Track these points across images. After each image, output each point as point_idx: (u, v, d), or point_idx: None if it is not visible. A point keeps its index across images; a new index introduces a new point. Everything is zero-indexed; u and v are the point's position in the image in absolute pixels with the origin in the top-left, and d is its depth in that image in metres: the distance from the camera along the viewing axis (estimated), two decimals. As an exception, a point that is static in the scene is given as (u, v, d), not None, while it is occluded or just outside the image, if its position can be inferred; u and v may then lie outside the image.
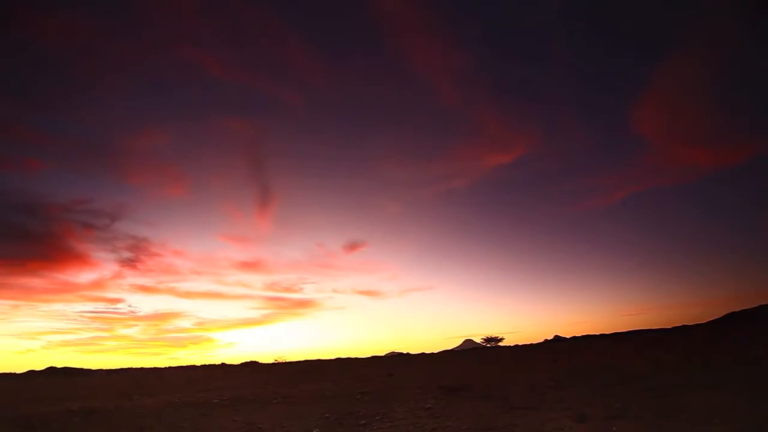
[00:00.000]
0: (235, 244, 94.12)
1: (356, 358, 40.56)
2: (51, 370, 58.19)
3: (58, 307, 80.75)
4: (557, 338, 49.33)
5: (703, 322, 46.07)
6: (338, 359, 42.48)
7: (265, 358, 54.26)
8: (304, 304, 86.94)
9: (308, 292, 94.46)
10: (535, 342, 45.47)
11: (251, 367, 38.86)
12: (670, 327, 41.06)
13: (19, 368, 58.92)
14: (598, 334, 42.44)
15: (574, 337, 43.47)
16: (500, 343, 47.39)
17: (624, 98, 75.99)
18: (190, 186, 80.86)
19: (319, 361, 41.69)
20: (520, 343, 44.00)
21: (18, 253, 70.41)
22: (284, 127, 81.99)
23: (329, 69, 78.26)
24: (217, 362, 48.23)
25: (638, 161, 77.00)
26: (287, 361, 43.32)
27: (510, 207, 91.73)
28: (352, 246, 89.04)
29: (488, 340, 48.70)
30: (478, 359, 26.31)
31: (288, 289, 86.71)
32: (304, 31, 73.82)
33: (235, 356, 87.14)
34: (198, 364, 48.85)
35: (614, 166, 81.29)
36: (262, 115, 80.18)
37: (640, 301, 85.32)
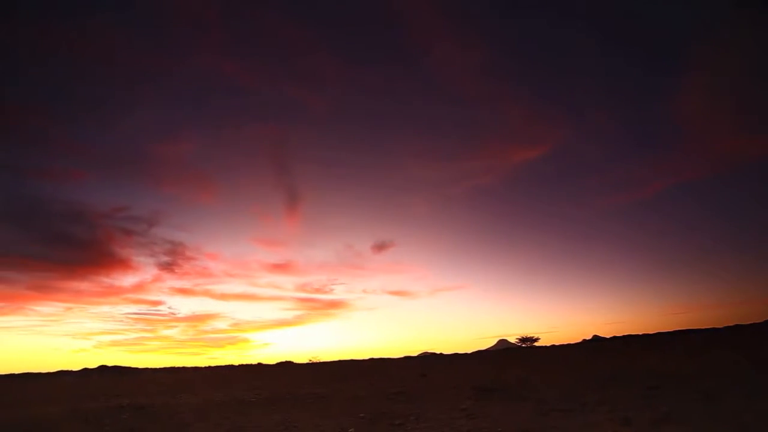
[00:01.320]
0: (265, 247, 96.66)
1: (389, 359, 40.66)
2: (103, 368, 61.86)
3: (106, 309, 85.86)
4: (596, 338, 47.48)
5: (759, 321, 42.95)
6: (371, 359, 42.73)
7: (300, 358, 55.42)
8: (335, 305, 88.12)
9: (339, 293, 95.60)
10: (572, 342, 43.99)
11: (286, 366, 39.76)
12: (721, 327, 38.60)
13: (75, 366, 63.09)
14: (640, 334, 40.46)
15: (615, 337, 41.64)
16: (536, 343, 46.14)
17: (659, 86, 72.08)
18: (220, 191, 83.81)
19: (352, 361, 42.10)
20: (556, 343, 42.67)
21: (68, 258, 75.50)
22: (309, 131, 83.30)
23: (351, 70, 78.88)
24: (254, 362, 49.71)
25: (676, 152, 73.02)
26: (321, 361, 44.04)
27: (540, 202, 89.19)
28: (381, 246, 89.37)
29: (523, 340, 47.50)
30: (513, 359, 25.73)
31: (319, 290, 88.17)
32: (324, 34, 74.74)
33: (270, 356, 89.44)
34: (235, 363, 50.54)
35: (650, 158, 77.31)
36: (287, 120, 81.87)
37: (685, 300, 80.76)
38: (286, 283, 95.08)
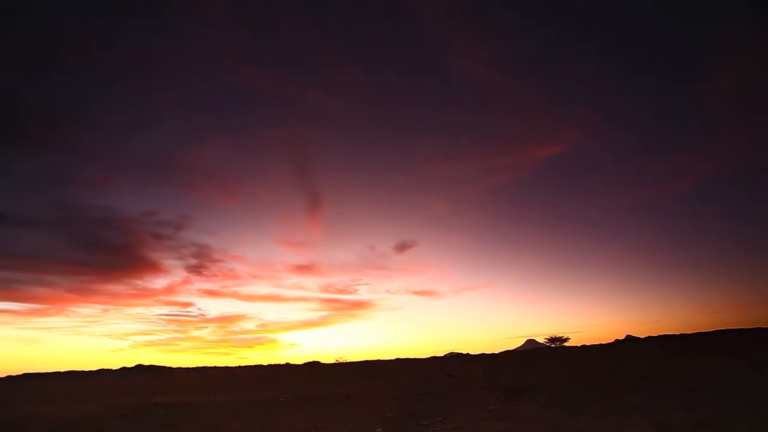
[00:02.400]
0: (289, 249, 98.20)
1: (415, 359, 40.54)
2: (139, 367, 64.44)
3: (139, 310, 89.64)
4: (629, 338, 45.87)
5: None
6: (397, 359, 42.72)
7: (326, 358, 56.00)
8: (359, 305, 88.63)
9: (362, 294, 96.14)
10: (604, 342, 42.62)
11: (314, 367, 40.28)
12: (766, 326, 36.55)
13: (114, 365, 66.09)
14: (677, 333, 38.80)
15: (649, 338, 40.08)
16: (565, 344, 44.96)
17: (689, 77, 69.11)
18: (244, 195, 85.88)
19: (378, 361, 42.21)
20: (587, 343, 41.45)
21: (104, 262, 79.31)
22: (329, 133, 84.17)
23: (368, 72, 79.09)
24: (282, 362, 50.62)
25: (708, 145, 69.79)
26: (348, 361, 44.36)
27: (564, 199, 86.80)
28: (403, 246, 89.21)
29: (552, 340, 46.37)
30: (542, 360, 25.17)
31: (342, 291, 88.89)
32: (341, 37, 75.29)
33: (297, 356, 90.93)
34: (264, 363, 51.62)
35: (681, 151, 74.12)
36: (308, 123, 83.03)
37: (724, 298, 77.08)
38: (311, 284, 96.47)
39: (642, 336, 43.09)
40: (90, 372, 63.62)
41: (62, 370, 64.37)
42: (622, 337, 47.61)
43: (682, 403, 8.89)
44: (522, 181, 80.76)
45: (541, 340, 51.19)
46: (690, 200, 74.31)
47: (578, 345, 40.96)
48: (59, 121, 69.52)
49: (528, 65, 74.62)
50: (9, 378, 63.86)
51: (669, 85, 70.30)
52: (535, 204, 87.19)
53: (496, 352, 44.70)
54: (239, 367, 51.82)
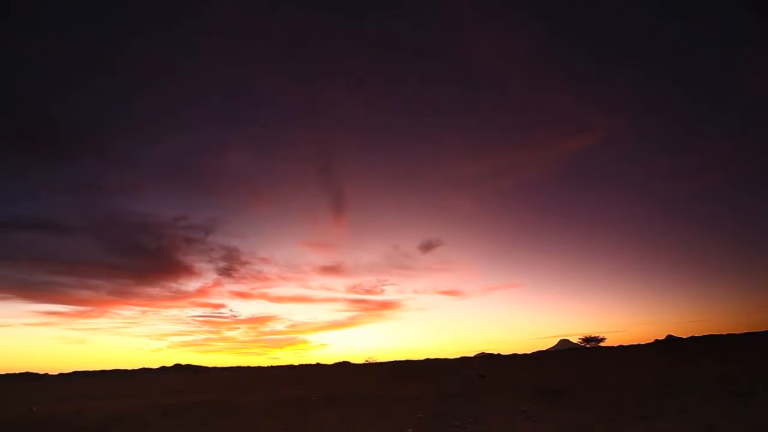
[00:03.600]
0: (314, 250, 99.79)
1: (445, 359, 40.30)
2: (177, 367, 67.14)
3: (175, 312, 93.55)
4: (671, 338, 43.78)
5: None
6: (427, 360, 42.56)
7: (356, 358, 56.49)
8: (386, 305, 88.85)
9: (389, 294, 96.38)
10: (643, 342, 40.85)
11: (344, 367, 40.69)
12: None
13: (154, 364, 69.24)
14: (723, 334, 36.71)
15: (693, 338, 38.12)
16: (601, 344, 43.38)
17: (728, 62, 65.17)
18: (270, 198, 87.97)
19: (408, 361, 42.17)
20: (625, 344, 39.87)
21: (140, 266, 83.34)
22: (351, 134, 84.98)
23: (388, 70, 79.10)
24: (312, 362, 51.47)
25: (750, 135, 65.44)
26: (378, 361, 44.57)
27: (596, 193, 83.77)
28: (428, 246, 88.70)
29: (587, 339, 44.84)
30: (577, 360, 24.41)
31: (369, 292, 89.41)
32: (359, 36, 75.76)
33: (327, 356, 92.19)
34: (295, 363, 52.68)
35: (719, 143, 70.00)
36: (329, 125, 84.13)
37: (775, 296, 72.10)
38: (337, 285, 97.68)
39: (685, 336, 41.08)
40: (133, 371, 66.93)
41: (108, 368, 68.10)
42: (662, 337, 45.49)
43: (732, 407, 8.40)
44: (549, 176, 78.74)
45: (574, 340, 49.64)
46: (731, 193, 70.21)
47: (615, 345, 39.51)
48: (93, 132, 73.78)
49: (553, 55, 72.61)
50: (61, 375, 68.06)
51: (704, 75, 66.51)
52: (563, 199, 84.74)
53: (528, 352, 43.79)
54: (271, 367, 53.03)
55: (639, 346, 35.21)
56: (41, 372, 70.26)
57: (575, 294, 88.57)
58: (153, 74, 77.10)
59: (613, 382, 13.25)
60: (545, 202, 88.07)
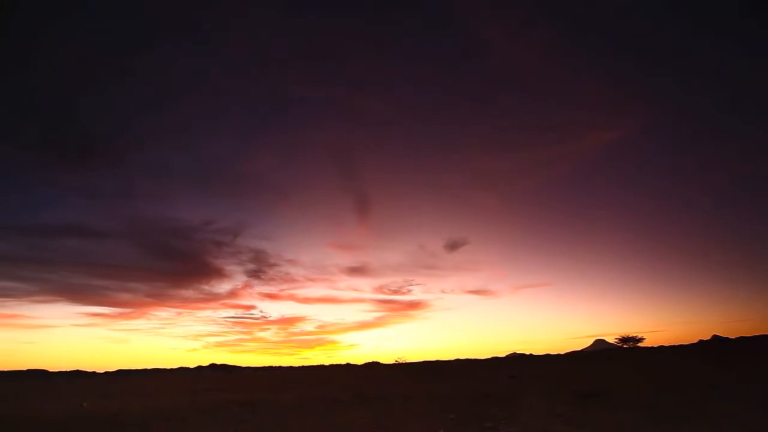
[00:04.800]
0: (340, 252, 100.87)
1: (476, 359, 39.77)
2: (213, 366, 69.50)
3: (208, 313, 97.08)
4: (716, 339, 41.46)
5: None
6: (457, 360, 42.15)
7: (386, 358, 56.59)
8: (414, 306, 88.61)
9: (417, 294, 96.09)
10: (686, 343, 38.86)
11: (373, 367, 40.89)
12: None
13: (191, 363, 71.98)
14: (775, 333, 34.40)
15: (742, 338, 35.92)
16: (640, 344, 41.57)
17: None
18: (294, 200, 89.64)
19: (438, 361, 41.90)
20: (665, 344, 38.06)
21: (174, 269, 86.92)
22: (373, 134, 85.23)
23: (410, 70, 78.67)
24: (342, 362, 51.99)
25: None
26: (407, 361, 44.50)
27: (629, 187, 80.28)
28: (454, 245, 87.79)
29: (624, 340, 43.06)
30: (614, 361, 23.53)
31: (396, 292, 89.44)
32: (376, 36, 75.84)
33: (357, 356, 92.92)
34: (326, 364, 53.40)
35: (754, 133, 65.36)
36: (352, 126, 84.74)
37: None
38: (364, 285, 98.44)
39: (732, 336, 38.78)
40: (171, 369, 69.81)
41: (148, 367, 71.39)
42: (707, 337, 43.15)
43: (785, 411, 7.88)
44: (578, 170, 76.16)
45: (611, 340, 47.79)
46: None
47: (655, 346, 37.81)
48: (125, 140, 77.56)
49: (577, 45, 70.19)
50: (107, 373, 71.88)
51: (740, 64, 62.59)
52: (594, 193, 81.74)
53: (562, 352, 42.55)
54: (302, 367, 53.99)
55: (681, 346, 33.55)
56: (90, 370, 74.73)
57: (611, 292, 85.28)
58: (180, 83, 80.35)
59: (653, 385, 12.70)
60: (575, 197, 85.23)
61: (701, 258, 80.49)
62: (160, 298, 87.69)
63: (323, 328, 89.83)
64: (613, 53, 71.43)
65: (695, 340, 41.25)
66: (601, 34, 70.00)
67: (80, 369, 74.26)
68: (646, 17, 64.86)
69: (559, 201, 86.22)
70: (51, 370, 73.79)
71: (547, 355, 38.16)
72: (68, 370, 74.02)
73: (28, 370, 71.93)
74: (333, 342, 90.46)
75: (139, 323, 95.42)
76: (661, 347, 34.99)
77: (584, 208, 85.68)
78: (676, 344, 37.24)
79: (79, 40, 71.77)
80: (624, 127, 67.45)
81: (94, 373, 73.35)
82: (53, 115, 76.28)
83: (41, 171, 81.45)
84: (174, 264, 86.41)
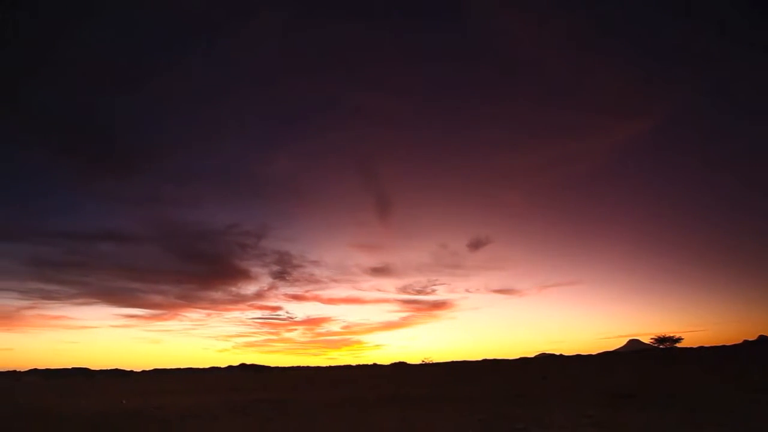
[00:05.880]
0: (362, 252, 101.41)
1: (504, 359, 39.18)
2: (243, 366, 71.26)
3: (236, 314, 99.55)
4: (763, 339, 39.19)
5: None
6: (485, 360, 41.62)
7: (412, 358, 56.44)
8: (439, 305, 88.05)
9: (441, 294, 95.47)
10: (729, 344, 36.95)
11: (400, 367, 40.88)
12: None
13: (222, 363, 74.13)
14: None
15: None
16: (677, 344, 39.75)
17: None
18: (316, 202, 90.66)
19: (465, 362, 41.48)
20: (705, 344, 36.31)
21: (202, 271, 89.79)
22: (393, 134, 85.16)
23: (427, 68, 78.00)
24: (369, 362, 52.18)
25: None
26: (434, 361, 44.24)
27: (663, 178, 76.75)
28: (477, 244, 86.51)
29: (660, 340, 41.26)
30: (650, 362, 22.64)
31: (421, 292, 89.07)
32: (393, 35, 75.59)
33: (384, 357, 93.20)
34: (352, 364, 53.79)
35: None
36: (371, 127, 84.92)
37: None
38: (388, 285, 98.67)
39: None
40: (203, 369, 72.02)
41: (182, 366, 73.95)
42: (753, 337, 40.83)
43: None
44: (605, 165, 73.71)
45: (646, 340, 46.05)
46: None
47: (694, 346, 36.15)
48: (152, 149, 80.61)
49: (597, 34, 67.65)
50: (144, 372, 74.90)
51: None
52: (622, 187, 78.82)
53: (594, 353, 41.27)
54: (329, 367, 54.59)
55: (723, 347, 31.91)
56: (128, 369, 78.16)
57: (644, 291, 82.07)
58: (205, 91, 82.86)
59: (692, 387, 12.14)
60: (601, 192, 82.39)
61: (747, 254, 76.23)
62: (190, 300, 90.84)
63: (348, 328, 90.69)
64: (635, 39, 68.53)
65: (740, 341, 39.16)
66: (621, 31, 67.33)
67: (119, 368, 77.75)
68: (667, 14, 61.86)
69: (585, 196, 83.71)
70: (93, 368, 77.76)
71: (578, 356, 37.17)
72: (108, 368, 77.67)
73: (73, 368, 75.98)
74: (359, 342, 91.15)
75: (171, 324, 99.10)
76: (701, 348, 33.44)
77: (612, 203, 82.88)
78: (718, 345, 35.47)
79: (108, 53, 75.26)
80: (655, 116, 64.53)
81: (131, 371, 76.60)
82: (92, 129, 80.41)
83: (79, 181, 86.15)
84: (201, 266, 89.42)
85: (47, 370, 74.18)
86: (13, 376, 66.06)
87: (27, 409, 13.24)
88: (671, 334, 40.88)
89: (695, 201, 75.99)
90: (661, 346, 40.78)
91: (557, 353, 45.84)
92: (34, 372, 74.19)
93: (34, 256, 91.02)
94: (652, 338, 42.69)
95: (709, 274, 76.30)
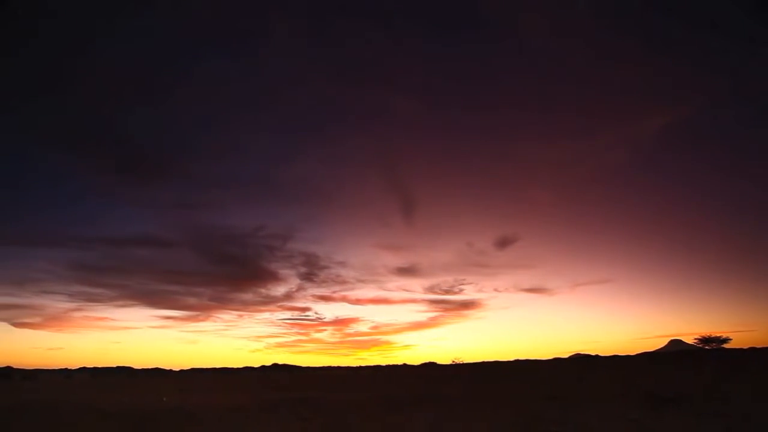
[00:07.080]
0: (388, 252, 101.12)
1: (537, 360, 38.20)
2: (275, 366, 72.79)
3: (266, 315, 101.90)
4: (822, 339, 36.35)
5: None
6: (517, 360, 40.72)
7: (442, 358, 55.95)
8: (467, 305, 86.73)
9: (469, 293, 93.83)
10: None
11: (430, 367, 40.65)
12: None
13: (255, 363, 75.96)
14: None
15: None
16: (725, 345, 37.48)
17: None
18: (341, 202, 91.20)
19: (496, 362, 40.77)
20: (757, 346, 34.09)
21: (233, 274, 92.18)
22: (416, 133, 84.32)
23: (449, 63, 76.65)
24: (399, 362, 52.18)
25: None
26: (465, 361, 43.68)
27: (700, 170, 72.13)
28: (504, 242, 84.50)
29: (706, 340, 39.00)
30: (694, 363, 21.50)
31: (448, 291, 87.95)
32: (412, 31, 74.55)
33: (413, 357, 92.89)
34: (382, 364, 53.94)
35: None
36: (394, 126, 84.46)
37: None
38: (415, 285, 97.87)
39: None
40: (238, 369, 74.16)
41: (217, 366, 76.46)
42: (809, 337, 37.95)
43: None
44: (636, 157, 69.99)
45: (689, 340, 43.66)
46: None
47: (744, 347, 33.99)
48: (180, 155, 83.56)
49: (626, 23, 64.56)
50: (182, 371, 77.96)
51: None
52: (657, 181, 74.78)
53: (632, 353, 39.59)
54: (360, 367, 54.92)
55: (776, 347, 29.88)
56: (167, 368, 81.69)
57: (685, 288, 77.46)
58: (232, 95, 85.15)
59: (742, 390, 11.43)
60: (634, 185, 78.60)
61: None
62: (222, 302, 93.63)
63: (377, 328, 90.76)
64: (666, 24, 65.05)
65: (794, 341, 36.47)
66: (650, 20, 64.06)
67: (159, 367, 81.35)
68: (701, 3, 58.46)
69: (616, 190, 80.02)
70: (135, 367, 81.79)
71: (615, 356, 35.76)
72: (149, 367, 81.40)
73: (117, 367, 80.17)
74: (388, 342, 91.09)
75: (206, 325, 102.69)
76: (753, 349, 31.44)
77: (647, 197, 79.03)
78: (770, 345, 33.27)
79: (142, 60, 78.75)
80: (689, 106, 61.10)
81: (170, 370, 79.92)
82: (124, 138, 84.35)
83: (114, 189, 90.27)
84: (231, 269, 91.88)
85: (95, 368, 78.69)
86: (65, 373, 70.42)
87: (77, 404, 14.06)
88: (718, 334, 38.57)
89: (739, 191, 71.29)
90: (706, 347, 38.58)
91: (593, 354, 44.17)
92: (83, 370, 78.96)
93: (77, 261, 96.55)
94: (695, 338, 40.35)
95: (759, 270, 71.49)
